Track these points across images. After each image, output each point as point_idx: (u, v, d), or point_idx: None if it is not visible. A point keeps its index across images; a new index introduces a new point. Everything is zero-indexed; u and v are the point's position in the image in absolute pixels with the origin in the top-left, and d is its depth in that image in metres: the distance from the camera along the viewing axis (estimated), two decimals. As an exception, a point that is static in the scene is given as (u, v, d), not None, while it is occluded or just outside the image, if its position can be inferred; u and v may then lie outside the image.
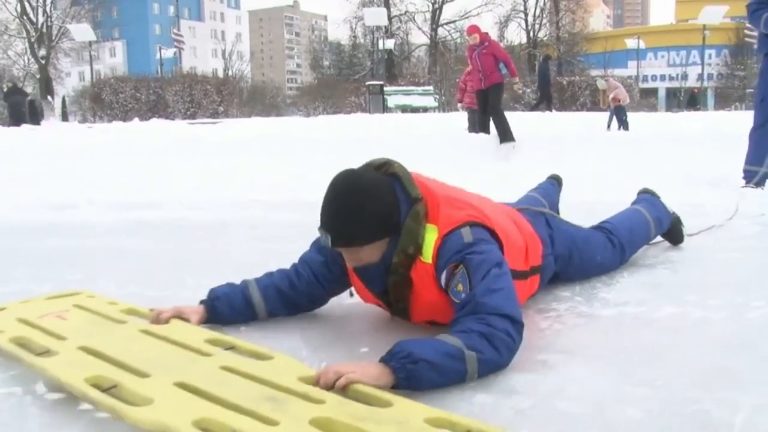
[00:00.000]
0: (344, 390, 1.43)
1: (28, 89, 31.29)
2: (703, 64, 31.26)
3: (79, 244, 3.59)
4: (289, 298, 2.02)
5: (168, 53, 39.78)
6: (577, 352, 1.74)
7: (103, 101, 24.43)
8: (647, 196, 2.88)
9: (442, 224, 1.75)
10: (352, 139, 8.35)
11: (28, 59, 42.98)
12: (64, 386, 1.52)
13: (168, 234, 3.85)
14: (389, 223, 1.73)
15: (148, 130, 11.42)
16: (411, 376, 1.45)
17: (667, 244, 2.96)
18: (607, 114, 14.45)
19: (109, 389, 1.47)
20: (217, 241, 3.62)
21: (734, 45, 42.31)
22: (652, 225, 2.71)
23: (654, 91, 44.91)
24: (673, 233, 2.91)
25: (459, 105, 11.08)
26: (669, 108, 37.76)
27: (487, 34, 8.76)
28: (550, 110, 17.35)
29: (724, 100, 39.18)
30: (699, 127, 8.80)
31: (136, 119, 13.95)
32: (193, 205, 4.73)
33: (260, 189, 5.25)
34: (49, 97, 28.97)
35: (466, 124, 11.09)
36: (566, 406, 1.42)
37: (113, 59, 67.16)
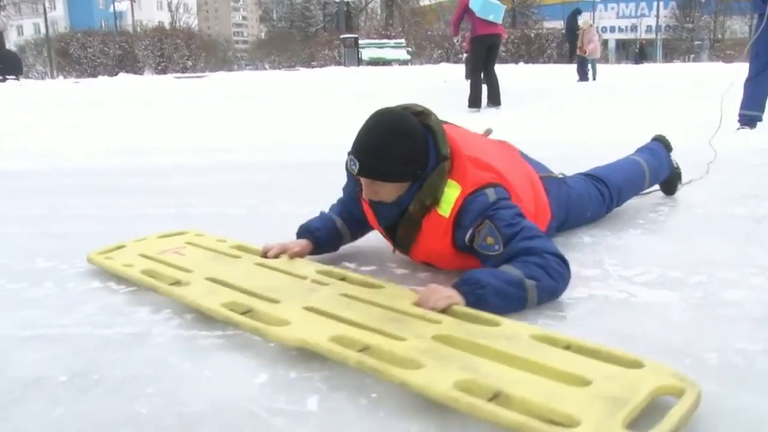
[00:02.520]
0: (445, 311, 1.62)
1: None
2: (658, 15, 32.27)
3: (199, 181, 3.95)
4: (352, 231, 2.24)
5: (121, 6, 38.87)
6: (693, 230, 2.47)
7: (71, 56, 24.08)
8: (654, 145, 2.89)
9: (467, 184, 1.85)
10: (356, 92, 8.86)
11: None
12: (204, 310, 1.71)
13: (261, 171, 4.25)
14: (414, 170, 1.84)
15: (148, 84, 11.63)
16: (479, 299, 1.64)
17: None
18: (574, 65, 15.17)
19: (244, 313, 1.66)
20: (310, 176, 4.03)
21: (682, -3, 43.53)
22: (647, 177, 2.74)
23: (604, 43, 45.96)
24: (669, 185, 2.97)
25: (465, 52, 11.34)
26: (618, 60, 38.92)
27: None
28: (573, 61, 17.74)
29: (671, 53, 40.56)
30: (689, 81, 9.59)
31: (121, 74, 14.02)
32: (263, 147, 5.22)
33: (307, 134, 5.78)
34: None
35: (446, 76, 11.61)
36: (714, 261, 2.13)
37: (53, 13, 64.34)
